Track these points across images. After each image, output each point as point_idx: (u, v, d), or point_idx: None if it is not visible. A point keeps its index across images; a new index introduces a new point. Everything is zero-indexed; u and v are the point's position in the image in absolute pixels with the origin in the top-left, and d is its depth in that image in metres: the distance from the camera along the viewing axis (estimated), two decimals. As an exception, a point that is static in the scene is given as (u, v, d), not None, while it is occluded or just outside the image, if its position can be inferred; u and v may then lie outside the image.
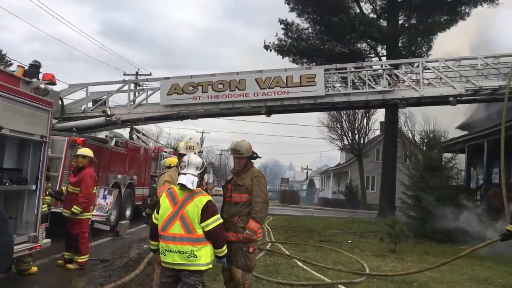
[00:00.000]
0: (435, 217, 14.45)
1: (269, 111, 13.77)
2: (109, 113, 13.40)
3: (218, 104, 13.43)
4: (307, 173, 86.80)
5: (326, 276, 7.93)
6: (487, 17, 18.27)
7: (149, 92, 14.62)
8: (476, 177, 20.69)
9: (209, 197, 4.35)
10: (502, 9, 19.62)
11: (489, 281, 8.46)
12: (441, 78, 12.40)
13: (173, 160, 8.17)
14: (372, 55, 26.06)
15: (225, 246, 4.45)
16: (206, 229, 4.22)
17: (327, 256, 10.44)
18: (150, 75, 33.30)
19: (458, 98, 12.48)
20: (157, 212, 4.39)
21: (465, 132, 21.95)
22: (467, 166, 19.75)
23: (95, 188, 8.55)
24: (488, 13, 20.26)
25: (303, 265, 8.90)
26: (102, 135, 13.92)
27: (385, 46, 24.99)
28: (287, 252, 10.41)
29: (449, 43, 24.58)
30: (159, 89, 13.85)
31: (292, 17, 25.17)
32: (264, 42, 25.02)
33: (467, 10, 23.05)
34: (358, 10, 24.46)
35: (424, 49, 24.71)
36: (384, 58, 24.48)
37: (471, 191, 18.05)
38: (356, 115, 43.31)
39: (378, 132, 46.11)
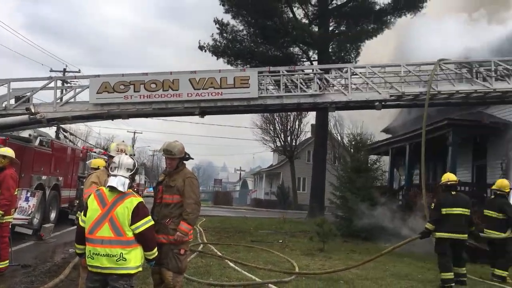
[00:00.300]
0: (360, 217, 15.10)
1: (203, 112, 13.73)
2: (33, 110, 12.76)
3: (151, 104, 13.19)
4: (240, 174, 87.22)
5: (257, 276, 8.04)
6: (409, 27, 19.35)
7: (77, 90, 14.06)
8: (398, 178, 21.85)
9: (140, 199, 4.29)
10: (423, 20, 20.83)
11: (410, 276, 8.98)
12: (367, 84, 12.95)
13: (99, 161, 7.94)
14: (304, 60, 26.72)
15: (155, 249, 4.40)
16: (137, 231, 4.15)
17: (258, 256, 10.58)
18: (79, 72, 32.05)
19: (383, 103, 13.10)
20: (85, 215, 4.26)
21: (389, 135, 23.11)
22: (391, 167, 20.83)
23: (16, 190, 8.11)
24: (410, 23, 21.41)
25: (235, 265, 8.97)
26: (25, 134, 13.23)
27: (316, 51, 25.70)
28: (219, 253, 10.43)
29: (376, 50, 25.70)
30: (88, 87, 13.37)
31: (228, 18, 25.21)
32: (199, 43, 24.90)
33: (392, 20, 24.30)
34: (291, 15, 24.97)
35: (352, 55, 25.70)
36: (315, 63, 25.17)
37: (394, 192, 19.04)
38: (289, 117, 44.20)
39: (309, 134, 47.26)
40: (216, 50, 24.84)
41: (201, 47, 24.90)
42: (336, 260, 10.69)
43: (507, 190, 9.53)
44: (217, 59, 25.04)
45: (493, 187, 9.85)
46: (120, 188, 4.18)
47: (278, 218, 23.47)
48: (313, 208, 24.62)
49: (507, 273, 8.92)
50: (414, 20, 22.69)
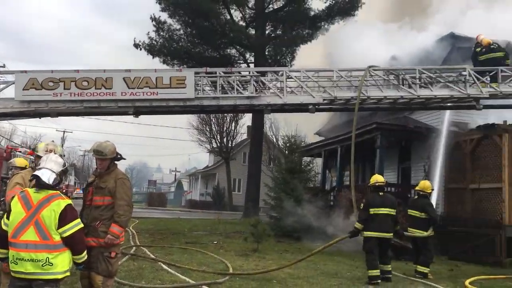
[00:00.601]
0: (294, 217, 15.42)
1: (138, 112, 13.41)
2: (-50, 106, 11.88)
3: (82, 102, 12.69)
4: (175, 175, 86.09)
5: (191, 278, 8.01)
6: (341, 33, 20.08)
7: (1, 86, 13.25)
8: (330, 179, 22.55)
9: (69, 201, 4.13)
10: (354, 27, 21.64)
11: (339, 274, 9.31)
12: (302, 87, 13.24)
13: (21, 160, 7.57)
14: (241, 62, 26.86)
15: (85, 252, 4.26)
16: (65, 235, 4.00)
17: (192, 258, 10.52)
18: (4, 67, 30.20)
19: (316, 106, 13.45)
20: (7, 218, 4.04)
21: (322, 138, 23.80)
22: (323, 169, 21.46)
23: None
24: (343, 30, 22.20)
25: (168, 268, 8.86)
26: None
27: (253, 53, 25.94)
28: (152, 256, 10.26)
29: (310, 54, 26.36)
30: (13, 83, 12.64)
31: (165, 16, 24.81)
32: (134, 40, 24.33)
33: (325, 26, 25.07)
34: (228, 17, 25.04)
35: (288, 59, 26.22)
36: (252, 65, 25.39)
37: (326, 192, 19.63)
38: (225, 118, 44.21)
39: (245, 136, 47.54)
40: (152, 49, 24.39)
41: (136, 45, 24.34)
42: (269, 260, 10.86)
43: (429, 191, 10.15)
44: (153, 58, 24.61)
45: (417, 188, 10.45)
46: (45, 179, 4.00)
47: (213, 219, 23.41)
48: (248, 209, 24.80)
49: (428, 269, 9.49)
50: (346, 27, 23.56)
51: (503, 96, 12.08)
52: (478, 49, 12.74)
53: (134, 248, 11.50)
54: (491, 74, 12.00)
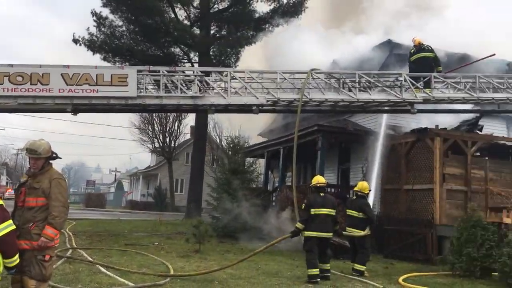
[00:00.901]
0: (236, 217, 15.48)
1: (76, 110, 12.93)
2: None
3: (16, 98, 12.05)
4: (115, 175, 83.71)
5: (130, 280, 7.84)
6: (285, 36, 20.38)
7: None
8: (273, 180, 22.83)
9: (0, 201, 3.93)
10: (297, 30, 22.04)
11: (280, 274, 9.43)
12: (246, 88, 13.31)
13: None
14: (185, 61, 26.62)
15: (17, 255, 4.08)
16: (-5, 237, 3.80)
17: (132, 260, 10.30)
18: None
19: (260, 107, 13.57)
20: None
21: (265, 139, 24.04)
22: (266, 170, 21.69)
23: None
24: (287, 32, 22.54)
25: (106, 270, 8.62)
26: None
27: (197, 53, 25.78)
28: (89, 258, 9.94)
29: (255, 56, 26.60)
30: None
31: (107, 12, 24.08)
32: (73, 36, 23.46)
33: (270, 28, 25.37)
34: (172, 15, 24.72)
35: (233, 60, 26.26)
36: (196, 65, 25.23)
37: (268, 193, 19.85)
38: (168, 118, 43.60)
39: (188, 136, 47.12)
40: (92, 45, 23.62)
41: (75, 40, 23.49)
42: (211, 261, 10.83)
43: (366, 192, 10.51)
44: (93, 54, 23.84)
45: (355, 188, 10.79)
46: None
47: (154, 220, 23.03)
48: (191, 209, 24.61)
49: (365, 267, 9.83)
50: (290, 30, 23.95)
51: (435, 101, 12.74)
52: (412, 50, 13.40)
53: (70, 250, 11.10)
54: (425, 80, 12.61)
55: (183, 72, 14.91)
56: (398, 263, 12.20)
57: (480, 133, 15.04)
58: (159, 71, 12.98)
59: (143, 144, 46.61)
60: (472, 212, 10.36)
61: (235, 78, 13.40)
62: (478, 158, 14.33)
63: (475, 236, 9.85)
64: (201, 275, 8.64)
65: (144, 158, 63.25)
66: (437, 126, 14.29)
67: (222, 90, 13.32)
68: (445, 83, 12.75)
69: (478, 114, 14.93)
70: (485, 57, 14.34)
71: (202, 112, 19.78)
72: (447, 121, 15.18)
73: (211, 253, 12.10)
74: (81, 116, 13.95)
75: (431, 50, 13.10)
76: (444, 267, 10.83)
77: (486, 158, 14.33)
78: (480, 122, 15.30)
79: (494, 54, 14.18)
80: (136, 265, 9.48)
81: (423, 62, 12.97)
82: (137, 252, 11.52)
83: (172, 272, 8.81)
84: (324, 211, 8.89)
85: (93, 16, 23.75)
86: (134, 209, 44.60)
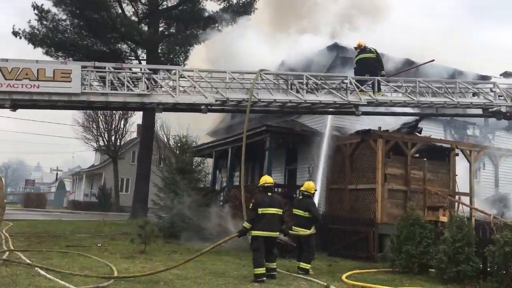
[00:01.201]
0: (183, 217, 15.34)
1: (15, 105, 12.35)
2: None
3: None
4: (57, 174, 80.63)
5: (72, 283, 7.57)
6: (235, 36, 20.40)
7: None
8: (221, 180, 22.81)
9: None
10: (247, 30, 22.12)
11: (226, 274, 9.43)
12: (195, 87, 13.22)
13: None
14: (133, 58, 26.10)
15: None
16: None
17: (74, 262, 9.97)
18: None
19: (209, 107, 13.52)
20: None
21: (214, 139, 23.98)
22: (214, 169, 21.64)
23: None
24: (237, 32, 22.57)
25: (46, 273, 8.28)
26: None
27: (145, 50, 25.34)
28: (27, 261, 9.51)
29: (204, 54, 26.40)
30: None
31: (49, 4, 23.12)
32: (13, 28, 22.38)
33: (219, 28, 25.32)
34: (120, 11, 24.15)
35: (181, 58, 26.04)
36: (144, 62, 24.78)
37: (216, 193, 19.82)
38: (114, 116, 42.56)
39: (135, 135, 46.22)
40: (34, 38, 22.67)
41: (15, 33, 22.48)
42: (157, 261, 10.66)
43: (312, 191, 10.73)
44: (35, 48, 22.87)
45: (301, 188, 10.99)
46: None
47: (98, 221, 22.38)
48: (136, 209, 24.18)
49: (310, 265, 10.04)
50: (239, 30, 24.01)
51: (379, 103, 13.20)
52: (356, 51, 13.86)
53: (7, 253, 10.61)
54: (368, 83, 13.03)
55: (130, 69, 14.57)
56: (342, 261, 12.53)
57: (419, 135, 15.73)
58: (105, 68, 12.64)
59: (87, 143, 45.32)
60: (411, 211, 10.83)
61: (184, 77, 13.28)
62: (417, 159, 15.00)
63: (413, 234, 10.30)
64: (146, 276, 8.48)
65: (88, 157, 61.41)
66: (379, 128, 14.81)
67: (171, 89, 13.17)
68: (388, 86, 13.25)
69: (418, 117, 15.62)
70: (425, 63, 15.04)
71: (149, 111, 19.48)
72: (389, 123, 15.78)
73: (157, 254, 11.92)
74: (21, 112, 13.30)
75: (373, 52, 13.58)
76: (385, 264, 11.23)
77: (425, 159, 15.04)
78: (420, 125, 16.01)
79: (433, 60, 14.90)
80: (78, 267, 9.18)
81: (364, 63, 13.47)
82: (79, 253, 11.16)
83: (116, 274, 8.60)
84: (271, 210, 9.00)
85: (34, 9, 22.79)
86: (77, 210, 43.16)
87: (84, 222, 22.77)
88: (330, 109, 13.85)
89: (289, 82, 12.74)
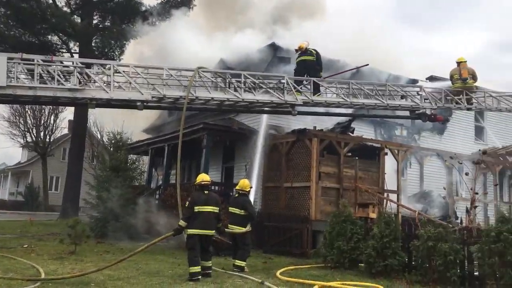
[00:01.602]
0: (117, 216, 14.95)
1: None
2: None
3: None
4: (-22, 172, 75.59)
5: (-6, 287, 7.17)
6: (173, 32, 20.08)
7: None
8: (156, 178, 22.43)
9: None
10: (186, 26, 21.86)
11: (161, 273, 9.31)
12: (130, 83, 12.90)
13: None
14: (64, 50, 25.04)
15: None
16: None
17: (-3, 264, 9.43)
18: None
19: (145, 103, 13.23)
20: None
21: (150, 136, 23.52)
22: (150, 167, 21.23)
23: None
24: (175, 28, 22.22)
25: (-35, 277, 7.79)
26: None
27: (78, 43, 24.39)
28: None
29: (140, 50, 25.79)
30: None
31: (-29, -9, 21.64)
32: None
33: (157, 23, 24.81)
34: (50, 1, 23.05)
35: (117, 53, 25.31)
36: (76, 55, 23.86)
37: (151, 191, 19.45)
38: (43, 111, 40.56)
39: (66, 131, 44.47)
40: (-46, 27, 21.11)
41: None
42: (88, 262, 10.33)
43: (248, 189, 10.82)
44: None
45: (237, 187, 11.05)
46: None
47: (24, 221, 21.30)
48: (67, 209, 23.25)
49: (245, 263, 10.12)
50: (177, 26, 23.70)
51: (314, 104, 13.53)
52: (298, 53, 14.14)
53: None
54: (305, 84, 13.33)
55: (62, 62, 13.98)
56: (277, 257, 12.74)
57: (352, 135, 16.31)
58: (33, 60, 12.02)
59: (13, 138, 42.84)
60: (343, 208, 11.22)
61: (119, 72, 12.91)
62: (350, 158, 15.54)
63: (345, 230, 10.68)
64: (76, 278, 8.19)
65: (14, 154, 58.05)
66: (315, 127, 15.20)
67: (105, 84, 12.76)
68: (323, 87, 13.61)
69: (350, 118, 16.18)
70: (359, 67, 15.61)
71: (82, 106, 18.69)
72: (324, 122, 16.24)
73: (88, 254, 11.53)
74: None
75: (313, 54, 13.88)
76: (318, 260, 11.56)
77: (356, 158, 15.62)
78: (352, 125, 16.60)
79: (367, 64, 15.52)
80: (1, 270, 8.70)
81: (303, 65, 13.77)
82: (3, 255, 10.58)
83: (43, 276, 8.24)
84: (208, 208, 8.99)
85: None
86: (1, 209, 40.70)
87: (9, 222, 21.60)
88: (268, 108, 14.00)
89: (227, 81, 12.75)
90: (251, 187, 11.09)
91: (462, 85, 14.58)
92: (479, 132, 22.90)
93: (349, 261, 10.53)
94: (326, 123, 16.47)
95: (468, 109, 15.42)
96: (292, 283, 8.72)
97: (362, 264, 10.32)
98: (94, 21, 24.80)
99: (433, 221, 10.14)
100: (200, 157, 16.67)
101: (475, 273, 8.90)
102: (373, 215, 12.49)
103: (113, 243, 14.14)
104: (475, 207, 11.56)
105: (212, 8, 25.22)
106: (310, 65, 13.70)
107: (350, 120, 16.32)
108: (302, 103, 13.14)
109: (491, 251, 8.24)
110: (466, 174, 15.78)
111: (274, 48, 18.91)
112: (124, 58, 25.19)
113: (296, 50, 14.04)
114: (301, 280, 8.83)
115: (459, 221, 16.26)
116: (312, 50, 13.90)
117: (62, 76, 12.30)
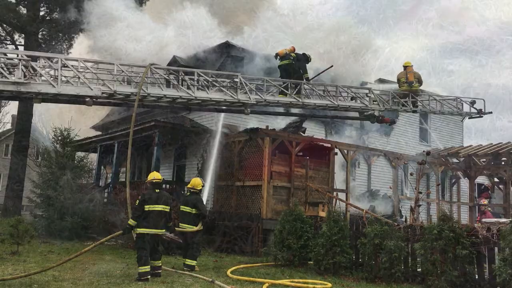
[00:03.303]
0: (63, 215, 14.48)
1: None
2: None
3: None
4: None
5: None
6: (125, 25, 19.60)
7: None
8: (105, 176, 21.88)
9: None
10: (140, 20, 21.43)
11: (109, 273, 9.09)
12: (79, 78, 12.52)
13: None
14: (8, 42, 23.92)
15: None
16: None
17: None
18: None
19: (94, 99, 12.88)
20: None
21: (99, 133, 22.92)
22: (98, 165, 20.69)
23: None
24: (128, 22, 21.72)
25: None
26: None
27: (23, 35, 23.36)
28: None
29: (88, 44, 25.02)
30: None
31: None
32: None
33: (108, 16, 24.12)
34: (-6, -11, 21.97)
35: (65, 46, 24.46)
36: (21, 48, 22.87)
37: (100, 189, 18.96)
38: (-16, 105, 38.67)
39: (9, 126, 42.58)
40: None
41: None
42: (31, 263, 9.95)
43: (199, 188, 10.74)
44: None
45: (188, 185, 10.96)
46: None
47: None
48: (8, 207, 22.22)
49: (195, 262, 10.06)
50: (131, 20, 23.21)
51: (267, 103, 13.65)
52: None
53: None
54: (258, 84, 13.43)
55: (5, 54, 13.37)
56: (228, 256, 12.77)
57: (303, 134, 16.57)
58: (-26, 51, 11.43)
59: (-50, 133, 40.53)
60: (293, 207, 11.38)
61: (67, 66, 12.51)
62: (301, 157, 15.78)
63: (295, 228, 10.85)
64: (17, 279, 7.86)
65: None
66: (267, 126, 15.32)
67: (52, 78, 12.33)
68: (277, 88, 13.74)
69: (302, 117, 16.42)
70: (325, 70, 15.87)
71: (26, 101, 17.94)
72: (276, 122, 16.40)
73: (32, 255, 11.10)
74: None
75: (291, 59, 14.21)
76: (268, 258, 11.67)
77: (307, 157, 15.88)
78: (304, 125, 16.85)
79: (332, 66, 15.84)
80: None
81: (282, 68, 14.24)
82: None
83: (-18, 278, 7.85)
84: (158, 207, 8.87)
85: None
86: None
87: None
88: (221, 107, 14.00)
89: (180, 78, 12.63)
90: (203, 186, 11.04)
91: (408, 89, 15.18)
92: (423, 134, 23.90)
93: (299, 259, 10.71)
94: (280, 123, 16.66)
95: (414, 111, 16.09)
96: (242, 281, 8.76)
97: (311, 262, 10.52)
98: (41, 13, 23.82)
99: (379, 220, 10.46)
100: (152, 155, 16.42)
101: (418, 269, 9.30)
102: (323, 214, 12.73)
103: (59, 243, 13.67)
104: (419, 205, 12.06)
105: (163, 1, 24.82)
106: (287, 69, 14.11)
107: (302, 120, 16.56)
108: (255, 102, 13.22)
109: (433, 248, 8.62)
110: (411, 174, 16.42)
111: (228, 47, 18.90)
112: (73, 52, 24.42)
113: (275, 57, 14.43)
114: (251, 279, 8.89)
115: (403, 219, 16.88)
116: (292, 54, 14.29)
117: (5, 69, 11.78)
